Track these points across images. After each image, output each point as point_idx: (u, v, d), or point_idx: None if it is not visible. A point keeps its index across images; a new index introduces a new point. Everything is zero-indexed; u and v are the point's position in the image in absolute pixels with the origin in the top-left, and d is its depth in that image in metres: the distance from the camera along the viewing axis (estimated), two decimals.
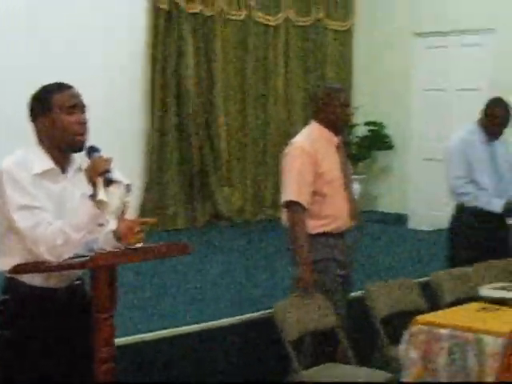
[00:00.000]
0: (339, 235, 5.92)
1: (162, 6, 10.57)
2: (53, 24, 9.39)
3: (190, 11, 10.84)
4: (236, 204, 11.31)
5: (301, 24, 12.09)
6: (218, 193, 11.09)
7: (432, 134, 11.73)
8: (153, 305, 6.56)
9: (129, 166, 8.14)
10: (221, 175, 11.16)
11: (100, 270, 3.68)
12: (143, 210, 10.26)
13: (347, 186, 6.01)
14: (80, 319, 3.86)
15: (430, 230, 10.69)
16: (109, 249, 3.78)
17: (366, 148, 12.16)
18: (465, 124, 7.53)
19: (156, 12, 10.60)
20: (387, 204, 12.35)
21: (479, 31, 11.40)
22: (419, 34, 12.03)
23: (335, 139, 5.97)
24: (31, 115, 3.81)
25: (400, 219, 12.07)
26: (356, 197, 6.28)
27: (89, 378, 3.77)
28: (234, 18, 11.31)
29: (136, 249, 3.75)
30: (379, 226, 11.34)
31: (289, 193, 5.77)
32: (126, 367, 4.97)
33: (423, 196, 11.89)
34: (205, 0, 10.97)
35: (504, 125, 7.20)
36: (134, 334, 5.52)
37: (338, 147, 5.98)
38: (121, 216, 3.78)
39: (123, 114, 10.15)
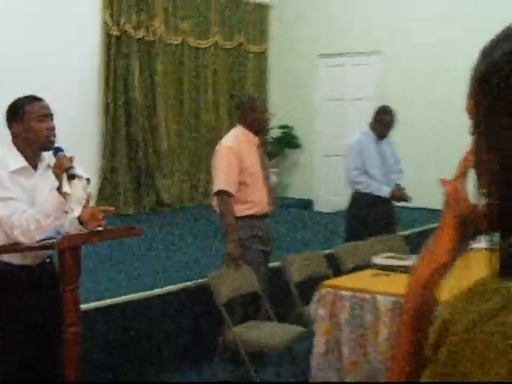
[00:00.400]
0: (261, 217, 5.96)
1: (113, 33, 10.45)
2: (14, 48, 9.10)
3: (136, 37, 10.72)
4: (175, 193, 11.25)
5: (226, 47, 12.06)
6: (160, 184, 11.01)
7: (331, 135, 11.80)
8: (111, 277, 6.47)
9: (88, 163, 8.01)
10: (162, 170, 11.09)
11: (66, 249, 3.68)
12: (100, 199, 10.14)
13: (266, 177, 6.06)
14: (50, 290, 3.88)
15: (332, 212, 10.73)
16: (73, 232, 3.76)
17: (279, 146, 12.17)
18: (359, 127, 7.56)
19: (108, 38, 10.47)
20: (296, 191, 12.37)
21: (368, 53, 11.51)
22: (321, 55, 12.06)
23: (256, 140, 6.02)
24: (7, 122, 3.88)
25: (307, 204, 12.12)
26: (273, 186, 6.26)
27: (59, 340, 3.80)
28: (171, 42, 11.21)
29: (96, 231, 3.72)
30: (291, 209, 11.38)
31: (218, 183, 5.80)
32: (90, 328, 4.89)
33: (325, 184, 11.95)
34: (148, 27, 10.85)
35: (390, 127, 7.29)
36: (94, 300, 5.45)
37: (258, 146, 6.03)
38: (86, 204, 3.76)
39: (83, 122, 9.99)
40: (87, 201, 3.75)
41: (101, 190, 10.38)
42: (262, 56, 12.67)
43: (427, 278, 1.15)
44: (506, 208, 1.01)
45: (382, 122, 7.25)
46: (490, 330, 0.86)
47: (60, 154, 3.72)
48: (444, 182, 1.19)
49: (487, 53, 1.04)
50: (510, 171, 1.00)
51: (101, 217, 3.69)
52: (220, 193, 5.78)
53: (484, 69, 1.03)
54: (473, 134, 1.06)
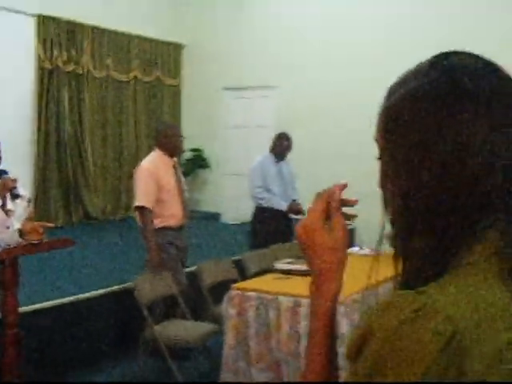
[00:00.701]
0: (177, 228, 5.95)
1: (45, 66, 10.23)
2: None
3: (67, 70, 10.52)
4: (100, 207, 11.08)
5: (145, 80, 11.95)
6: (87, 199, 10.84)
7: (237, 157, 11.81)
8: (45, 283, 6.31)
9: (23, 183, 7.79)
10: (89, 187, 10.90)
11: (5, 260, 3.57)
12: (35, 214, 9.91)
13: (181, 193, 6.03)
14: None
15: (237, 223, 10.73)
16: (13, 245, 3.65)
17: (191, 167, 12.12)
18: (261, 151, 7.59)
19: (41, 70, 10.24)
20: (206, 206, 12.33)
21: (268, 87, 11.57)
22: (227, 88, 12.09)
23: (171, 161, 6.04)
24: None
25: (215, 216, 12.08)
26: (187, 201, 6.24)
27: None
28: (97, 75, 11.05)
29: (35, 244, 3.62)
30: (201, 221, 11.32)
31: (138, 200, 5.80)
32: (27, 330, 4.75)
33: (231, 199, 11.93)
34: (76, 61, 10.67)
35: (288, 150, 7.36)
36: (31, 304, 5.30)
37: (174, 167, 6.05)
38: (28, 219, 3.67)
39: (19, 144, 9.72)
40: (30, 217, 3.67)
41: (34, 204, 10.13)
42: (176, 88, 12.62)
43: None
44: (401, 240, 1.01)
45: (281, 146, 7.33)
46: (409, 335, 0.85)
47: (5, 175, 3.66)
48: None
49: (392, 91, 1.03)
50: (407, 210, 0.99)
51: (41, 231, 3.61)
52: (140, 208, 5.78)
53: (387, 106, 1.03)
54: (379, 159, 1.06)
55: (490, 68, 0.99)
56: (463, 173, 0.93)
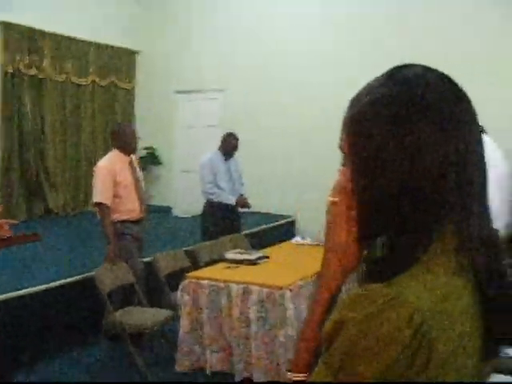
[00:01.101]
0: (135, 222, 5.92)
1: (8, 70, 9.99)
2: None
3: (28, 74, 10.30)
4: (60, 202, 10.90)
5: (102, 84, 11.76)
6: (48, 195, 10.65)
7: (187, 154, 11.75)
8: (7, 275, 6.18)
9: None
10: (50, 183, 10.71)
11: None
12: None
13: (137, 189, 5.99)
14: None
15: (189, 216, 10.68)
16: None
17: (145, 164, 12.01)
18: (211, 149, 7.56)
19: (4, 75, 9.99)
20: (158, 200, 12.22)
21: (215, 90, 11.55)
22: (178, 91, 12.02)
23: (128, 159, 6.01)
24: None
25: (167, 210, 12.00)
26: (144, 196, 6.19)
27: None
28: (57, 79, 10.84)
29: (3, 239, 3.55)
30: (154, 214, 11.21)
31: (97, 197, 5.77)
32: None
33: (182, 194, 11.86)
34: (38, 66, 10.41)
35: (235, 149, 7.36)
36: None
37: (130, 164, 6.00)
38: None
39: None
40: None
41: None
42: (130, 92, 12.46)
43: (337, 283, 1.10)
44: (364, 231, 1.04)
45: (229, 144, 7.33)
46: (379, 325, 0.87)
47: None
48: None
49: (354, 102, 1.06)
50: (365, 208, 1.02)
51: (7, 228, 3.53)
52: (99, 204, 5.75)
53: (350, 115, 1.05)
54: (343, 165, 1.07)
55: (441, 78, 1.02)
56: (420, 175, 0.96)
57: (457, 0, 9.41)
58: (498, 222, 3.77)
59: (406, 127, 0.97)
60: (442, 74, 1.04)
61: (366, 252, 1.04)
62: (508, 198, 4.12)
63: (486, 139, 3.72)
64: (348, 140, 1.04)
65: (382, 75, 1.05)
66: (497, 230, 1.03)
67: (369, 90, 1.04)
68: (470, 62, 8.77)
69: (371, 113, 1.01)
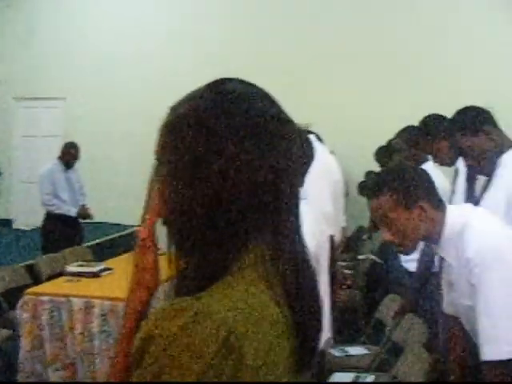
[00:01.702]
0: None
1: None
2: None
3: None
4: None
5: None
6: None
7: (27, 165, 11.23)
8: None
9: None
10: None
11: None
12: None
13: None
14: None
15: (29, 229, 10.19)
16: None
17: None
18: (50, 159, 7.30)
19: None
20: None
21: (55, 98, 11.17)
22: (16, 99, 11.49)
23: None
24: None
25: (6, 223, 11.40)
26: None
27: None
28: None
29: None
30: None
31: None
32: None
33: (23, 206, 11.31)
34: None
35: (75, 159, 7.25)
36: None
37: None
38: None
39: None
40: None
41: None
42: None
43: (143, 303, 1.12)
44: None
45: (69, 154, 7.16)
46: (188, 339, 0.86)
47: None
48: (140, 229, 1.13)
49: (173, 110, 1.03)
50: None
51: None
52: None
53: (166, 122, 1.02)
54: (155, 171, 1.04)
55: (263, 96, 1.02)
56: (232, 189, 0.95)
57: None
58: (334, 227, 3.89)
59: (222, 140, 0.96)
60: (264, 91, 1.04)
61: (180, 265, 1.02)
62: (341, 204, 4.27)
63: (320, 148, 3.81)
64: (162, 147, 1.02)
65: (203, 86, 1.03)
66: (306, 247, 1.05)
67: (189, 98, 1.02)
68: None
69: (185, 123, 0.98)
